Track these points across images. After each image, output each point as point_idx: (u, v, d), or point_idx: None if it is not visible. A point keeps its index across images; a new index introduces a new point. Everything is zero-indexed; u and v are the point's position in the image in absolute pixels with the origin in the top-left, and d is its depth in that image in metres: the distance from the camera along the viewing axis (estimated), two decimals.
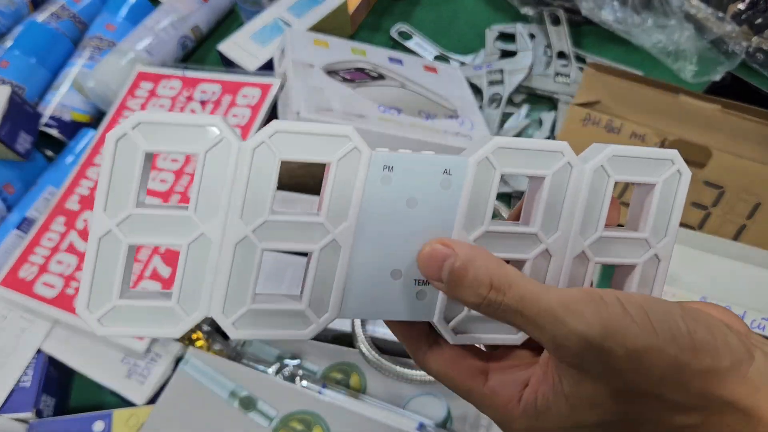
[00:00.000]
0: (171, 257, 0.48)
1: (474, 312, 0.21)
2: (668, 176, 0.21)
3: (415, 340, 0.22)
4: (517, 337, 0.21)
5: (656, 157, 0.21)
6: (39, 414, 0.46)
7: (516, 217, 0.23)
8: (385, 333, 0.44)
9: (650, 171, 0.21)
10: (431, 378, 0.41)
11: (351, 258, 0.20)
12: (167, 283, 0.47)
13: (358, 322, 0.43)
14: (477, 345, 0.22)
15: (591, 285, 0.22)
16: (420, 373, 0.41)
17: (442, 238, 0.20)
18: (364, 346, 0.42)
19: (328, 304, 0.20)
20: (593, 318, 0.17)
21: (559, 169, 0.20)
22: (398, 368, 0.41)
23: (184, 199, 0.51)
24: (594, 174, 0.21)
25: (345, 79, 0.56)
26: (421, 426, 0.40)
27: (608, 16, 0.66)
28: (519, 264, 0.21)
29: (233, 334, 0.20)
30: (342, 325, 0.44)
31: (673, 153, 0.21)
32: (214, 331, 0.44)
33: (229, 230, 0.19)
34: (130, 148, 0.19)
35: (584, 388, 0.18)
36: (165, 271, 0.48)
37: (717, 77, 0.61)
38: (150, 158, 0.20)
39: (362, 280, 0.20)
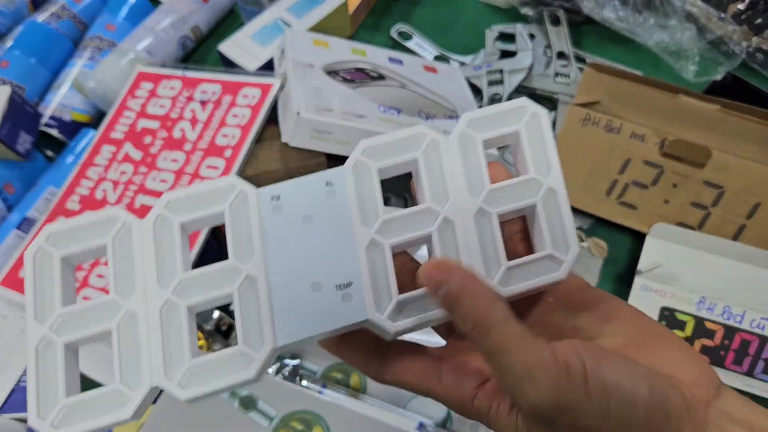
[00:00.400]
0: None
1: (404, 296, 0.21)
2: (527, 119, 0.23)
3: (363, 359, 0.22)
4: (443, 315, 0.21)
5: (510, 108, 0.23)
6: None
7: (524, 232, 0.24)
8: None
9: (510, 122, 0.23)
10: None
11: (269, 286, 0.21)
12: None
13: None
14: (424, 344, 0.23)
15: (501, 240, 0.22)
16: None
17: (439, 261, 0.20)
18: None
19: (262, 337, 0.20)
20: (549, 391, 0.17)
21: (426, 148, 0.22)
22: None
23: None
24: (460, 141, 0.23)
25: (345, 79, 0.56)
26: (421, 426, 0.40)
27: (610, 14, 0.66)
28: (428, 239, 0.22)
29: (182, 394, 0.20)
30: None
31: (524, 100, 0.23)
32: (215, 331, 0.44)
33: (150, 299, 0.20)
34: (47, 258, 0.21)
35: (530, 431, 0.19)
36: None
37: (718, 77, 0.61)
38: (68, 262, 0.21)
39: (287, 302, 0.20)
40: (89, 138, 0.60)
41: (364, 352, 0.22)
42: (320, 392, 0.42)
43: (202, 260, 0.50)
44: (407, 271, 0.22)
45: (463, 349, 0.23)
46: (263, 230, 0.21)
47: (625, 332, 0.21)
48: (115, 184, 0.54)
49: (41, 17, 0.68)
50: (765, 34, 0.65)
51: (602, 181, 0.55)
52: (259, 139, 0.54)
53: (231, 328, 0.44)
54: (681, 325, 0.47)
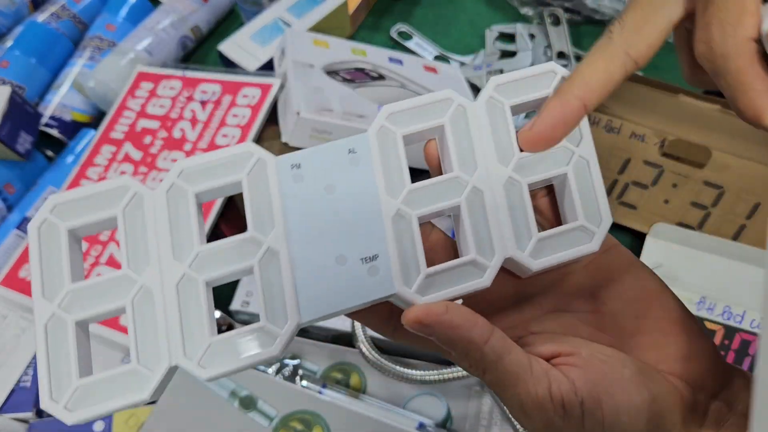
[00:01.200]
0: None
1: (433, 269, 0.20)
2: (557, 84, 0.22)
3: (380, 321, 0.22)
4: (485, 280, 0.20)
5: (538, 73, 0.22)
6: (39, 414, 0.46)
7: (555, 214, 0.23)
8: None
9: (539, 87, 0.22)
10: (432, 378, 0.41)
11: (291, 259, 0.19)
12: None
13: (358, 323, 0.43)
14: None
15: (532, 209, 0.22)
16: (420, 373, 0.41)
17: (419, 313, 0.18)
18: (364, 346, 0.42)
19: (285, 313, 0.19)
20: (542, 428, 0.18)
21: (453, 113, 0.21)
22: (398, 368, 0.41)
23: None
24: (488, 105, 0.21)
25: (345, 79, 0.56)
26: (421, 426, 0.40)
27: (609, 13, 0.66)
28: (457, 209, 0.21)
29: (203, 373, 0.19)
30: (342, 325, 0.44)
31: (551, 64, 0.22)
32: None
33: (166, 273, 0.19)
34: (53, 230, 0.19)
35: None
36: None
37: None
38: (75, 234, 0.20)
39: (310, 276, 0.19)
40: (89, 138, 0.60)
41: (381, 314, 0.22)
42: (320, 392, 0.42)
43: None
44: (433, 242, 0.22)
45: None
46: (283, 200, 0.20)
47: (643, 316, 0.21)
48: None
49: (41, 17, 0.68)
50: None
51: (602, 180, 0.55)
52: (259, 139, 0.54)
53: (230, 328, 0.44)
54: None
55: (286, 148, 0.53)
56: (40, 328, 0.19)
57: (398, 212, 0.20)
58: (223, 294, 0.49)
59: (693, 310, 0.47)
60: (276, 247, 0.20)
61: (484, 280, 0.20)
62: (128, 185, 0.20)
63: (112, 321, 0.47)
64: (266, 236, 0.20)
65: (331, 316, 0.20)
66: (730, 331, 0.46)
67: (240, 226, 0.53)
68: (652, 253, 0.49)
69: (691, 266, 0.48)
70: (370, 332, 0.43)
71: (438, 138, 0.22)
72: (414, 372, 0.41)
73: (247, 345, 0.19)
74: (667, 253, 0.49)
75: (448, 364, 0.44)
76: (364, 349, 0.42)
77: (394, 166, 0.21)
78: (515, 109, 0.22)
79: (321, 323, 0.45)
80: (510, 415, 0.19)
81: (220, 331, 0.45)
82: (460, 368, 0.40)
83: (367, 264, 0.20)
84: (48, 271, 0.19)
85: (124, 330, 0.46)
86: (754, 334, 0.46)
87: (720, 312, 0.46)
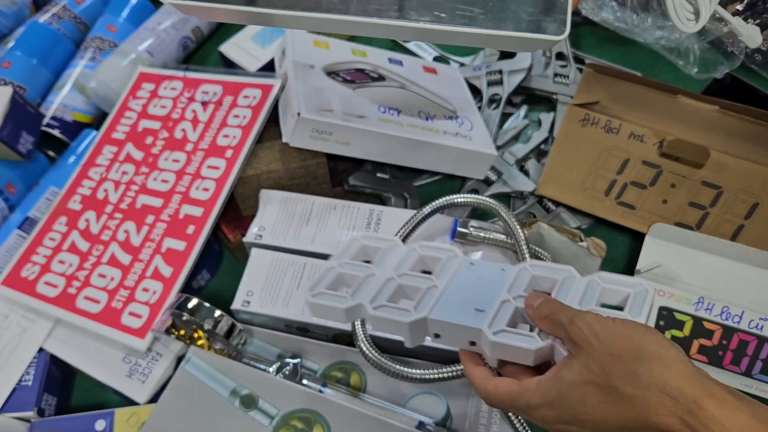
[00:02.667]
0: (172, 257, 0.49)
1: (506, 328, 0.31)
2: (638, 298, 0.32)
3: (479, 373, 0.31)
4: (532, 345, 0.29)
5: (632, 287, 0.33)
6: (41, 413, 0.46)
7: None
8: (385, 332, 0.44)
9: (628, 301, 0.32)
10: (430, 377, 0.41)
11: (443, 292, 0.34)
12: (168, 282, 0.47)
13: (358, 321, 0.43)
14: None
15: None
16: (419, 372, 0.41)
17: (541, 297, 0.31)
18: (364, 345, 0.42)
19: (424, 309, 0.33)
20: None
21: (568, 277, 0.34)
22: (398, 367, 0.41)
23: (186, 199, 0.51)
24: (588, 283, 0.33)
25: (345, 80, 0.56)
26: (421, 424, 0.40)
27: (608, 15, 0.66)
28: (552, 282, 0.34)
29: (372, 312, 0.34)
30: (342, 324, 0.45)
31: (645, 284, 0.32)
32: (215, 331, 0.44)
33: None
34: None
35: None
36: (167, 270, 0.48)
37: (719, 75, 0.62)
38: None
39: (445, 303, 0.33)
40: (91, 138, 0.61)
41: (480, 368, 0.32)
42: (321, 391, 0.42)
43: (203, 254, 0.50)
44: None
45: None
46: (457, 272, 0.35)
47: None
48: (117, 184, 0.54)
49: (43, 18, 0.68)
50: (763, 34, 0.65)
51: (601, 181, 0.55)
52: (259, 139, 0.54)
53: (233, 327, 0.45)
54: (679, 325, 0.47)
55: (287, 148, 0.53)
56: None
57: (507, 300, 0.32)
58: (224, 293, 0.49)
59: (691, 310, 0.47)
60: (440, 286, 0.34)
61: (532, 344, 0.30)
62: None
63: (112, 321, 0.47)
64: (439, 281, 0.35)
65: (441, 324, 0.32)
66: (729, 331, 0.46)
67: (239, 225, 0.53)
68: (650, 253, 0.49)
69: (689, 266, 0.48)
70: (371, 331, 0.43)
71: (549, 284, 0.34)
72: (414, 371, 0.41)
73: (396, 312, 0.33)
74: (666, 253, 0.49)
75: (446, 363, 0.44)
76: (364, 348, 0.42)
77: (519, 284, 0.33)
78: (602, 300, 0.33)
79: (322, 323, 0.45)
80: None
81: (222, 331, 0.45)
82: (457, 367, 0.41)
83: (477, 311, 0.32)
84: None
85: (124, 329, 0.46)
86: (753, 334, 0.46)
87: (718, 312, 0.47)
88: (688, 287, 0.48)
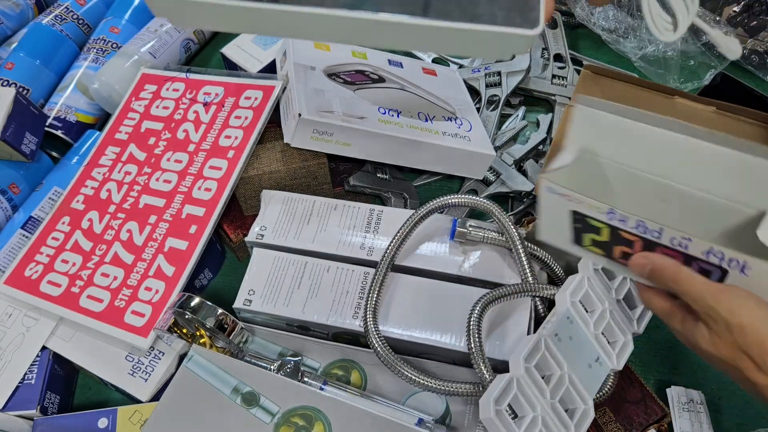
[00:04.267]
0: (174, 256, 0.49)
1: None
2: None
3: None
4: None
5: None
6: (44, 411, 0.46)
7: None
8: (399, 333, 0.44)
9: None
10: (441, 387, 0.41)
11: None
12: (171, 281, 0.48)
13: (370, 321, 0.43)
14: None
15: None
16: (430, 380, 0.41)
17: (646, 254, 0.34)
18: (377, 343, 0.42)
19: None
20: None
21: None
22: (407, 370, 0.41)
23: (188, 199, 0.52)
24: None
25: (346, 82, 0.57)
26: (420, 421, 0.41)
27: (601, 21, 0.67)
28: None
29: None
30: (342, 323, 0.45)
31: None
32: (217, 329, 0.44)
33: None
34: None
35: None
36: (169, 269, 0.49)
37: (705, 81, 0.62)
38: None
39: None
40: (94, 139, 0.61)
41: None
42: (321, 389, 0.43)
43: (205, 254, 0.51)
44: None
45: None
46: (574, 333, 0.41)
47: None
48: (120, 184, 0.55)
49: (46, 20, 0.69)
50: (760, 36, 0.66)
51: None
52: (261, 140, 0.54)
53: (234, 326, 0.45)
54: (596, 230, 0.37)
55: (288, 149, 0.53)
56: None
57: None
58: (226, 292, 0.50)
59: (605, 219, 0.35)
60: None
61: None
62: None
63: (115, 319, 0.47)
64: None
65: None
66: (650, 245, 0.35)
67: (241, 225, 0.54)
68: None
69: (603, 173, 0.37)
70: (383, 331, 0.43)
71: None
72: (426, 379, 0.41)
73: None
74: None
75: (455, 364, 0.45)
76: (378, 347, 0.42)
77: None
78: None
79: (323, 322, 0.45)
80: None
81: (222, 329, 0.45)
82: (470, 386, 0.41)
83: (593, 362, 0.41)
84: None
85: (127, 328, 0.47)
86: (677, 251, 0.34)
87: (633, 225, 0.35)
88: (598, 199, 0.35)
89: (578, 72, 0.65)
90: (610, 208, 0.35)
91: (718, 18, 0.65)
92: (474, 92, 0.65)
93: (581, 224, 0.37)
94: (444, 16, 0.20)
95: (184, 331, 0.45)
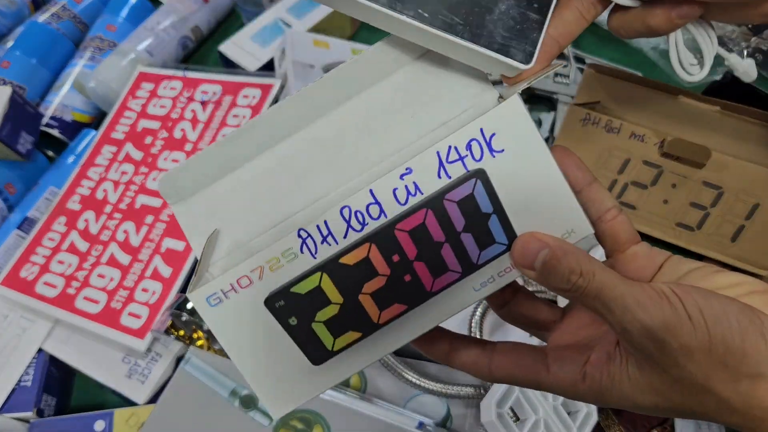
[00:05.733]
0: (171, 257, 0.49)
1: None
2: None
3: (472, 361, 0.24)
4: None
5: None
6: (40, 413, 0.46)
7: None
8: None
9: None
10: (442, 389, 0.41)
11: None
12: (168, 282, 0.47)
13: None
14: (528, 341, 0.25)
15: None
16: (433, 383, 0.41)
17: (533, 232, 0.21)
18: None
19: None
20: (657, 313, 0.19)
21: None
22: (408, 372, 0.41)
23: None
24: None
25: None
26: (421, 425, 0.40)
27: (603, 17, 0.66)
28: None
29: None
30: None
31: None
32: None
33: None
34: None
35: (646, 374, 0.21)
36: (166, 271, 0.48)
37: (717, 77, 0.61)
38: None
39: None
40: (90, 138, 0.60)
41: (472, 354, 0.24)
42: None
43: None
44: None
45: (561, 341, 0.25)
46: None
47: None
48: (116, 184, 0.54)
49: (42, 18, 0.68)
50: (764, 34, 0.65)
51: (602, 180, 0.54)
52: None
53: None
54: (319, 300, 0.22)
55: None
56: None
57: None
58: None
59: None
60: None
61: None
62: None
63: (111, 321, 0.47)
64: None
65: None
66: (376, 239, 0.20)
67: None
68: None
69: None
70: None
71: None
72: (428, 382, 0.41)
73: None
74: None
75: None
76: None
77: None
78: None
79: None
80: (621, 319, 0.19)
81: None
82: (471, 389, 0.41)
83: None
84: None
85: (124, 330, 0.46)
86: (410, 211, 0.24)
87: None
88: None
89: (581, 70, 0.64)
90: (297, 229, 0.20)
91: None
92: None
93: (295, 312, 0.21)
94: (447, 28, 0.20)
95: (182, 332, 0.45)
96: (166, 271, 0.48)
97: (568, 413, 0.39)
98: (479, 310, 0.42)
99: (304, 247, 0.20)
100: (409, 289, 0.21)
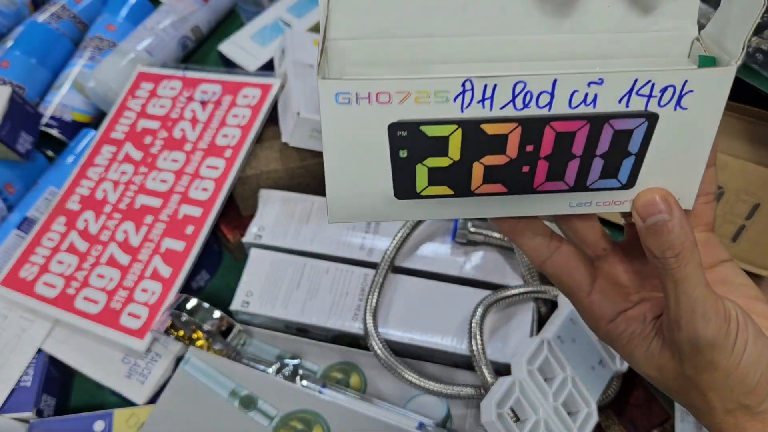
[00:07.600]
0: (171, 257, 0.49)
1: None
2: None
3: (536, 244, 0.24)
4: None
5: None
6: (39, 414, 0.46)
7: None
8: (399, 336, 0.44)
9: None
10: (442, 390, 0.41)
11: None
12: (168, 283, 0.47)
13: (370, 323, 0.43)
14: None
15: None
16: (433, 384, 0.41)
17: (669, 192, 0.22)
18: (377, 345, 0.42)
19: None
20: (712, 330, 0.21)
21: None
22: (408, 373, 0.41)
23: (185, 199, 0.51)
24: None
25: None
26: (421, 425, 0.40)
27: None
28: None
29: None
30: (342, 325, 0.45)
31: None
32: (215, 331, 0.44)
33: None
34: None
35: (665, 356, 0.23)
36: (166, 271, 0.48)
37: None
38: None
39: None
40: (90, 138, 0.60)
41: (538, 240, 0.24)
42: (320, 392, 0.42)
43: (202, 255, 0.50)
44: None
45: (614, 273, 0.25)
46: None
47: None
48: (116, 184, 0.54)
49: (41, 17, 0.68)
50: (764, 34, 0.65)
51: None
52: (259, 139, 0.54)
53: (230, 327, 0.44)
54: (439, 147, 0.21)
55: (287, 148, 0.53)
56: None
57: None
58: (223, 294, 0.49)
59: (455, 111, 0.21)
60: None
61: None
62: None
63: (111, 321, 0.47)
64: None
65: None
66: (532, 125, 0.18)
67: (238, 225, 0.53)
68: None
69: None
70: (383, 334, 0.43)
71: None
72: (426, 381, 0.41)
73: None
74: None
75: (456, 366, 0.44)
76: (377, 349, 0.42)
77: None
78: None
79: (322, 324, 0.45)
80: (681, 317, 0.21)
81: (219, 331, 0.44)
82: (470, 389, 0.41)
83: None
84: None
85: (123, 330, 0.46)
86: (578, 116, 0.22)
87: (508, 97, 0.22)
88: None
89: None
90: (464, 78, 0.19)
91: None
92: None
93: (409, 147, 0.20)
94: None
95: (181, 333, 0.45)
96: (165, 271, 0.48)
97: (569, 413, 0.39)
98: (479, 310, 0.42)
99: (460, 97, 0.19)
100: (519, 179, 0.21)
